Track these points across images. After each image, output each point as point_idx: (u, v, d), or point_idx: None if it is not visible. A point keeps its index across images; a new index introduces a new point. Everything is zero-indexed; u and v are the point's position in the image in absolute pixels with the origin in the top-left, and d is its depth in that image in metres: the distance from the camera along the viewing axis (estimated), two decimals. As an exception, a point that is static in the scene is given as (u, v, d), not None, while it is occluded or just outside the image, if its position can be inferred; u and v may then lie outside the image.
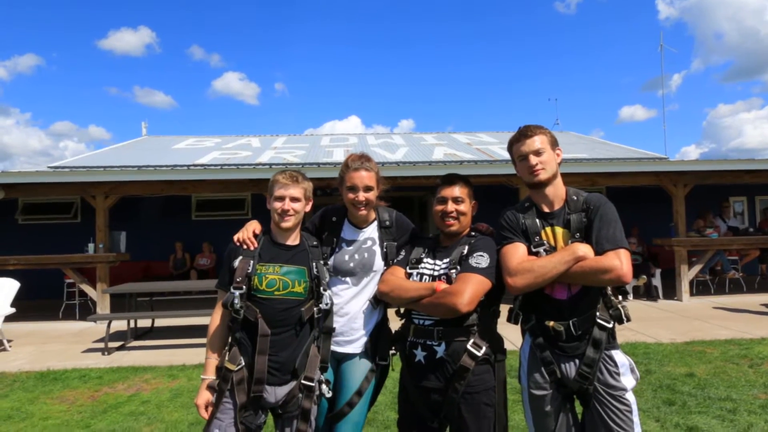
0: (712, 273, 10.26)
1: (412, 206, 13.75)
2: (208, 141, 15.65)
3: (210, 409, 2.12)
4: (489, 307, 2.12)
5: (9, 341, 6.92)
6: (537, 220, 2.13)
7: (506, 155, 10.79)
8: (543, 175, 2.11)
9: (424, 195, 12.58)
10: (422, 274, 2.20)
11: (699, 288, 10.01)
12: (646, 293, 9.60)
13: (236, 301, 2.10)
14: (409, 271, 2.24)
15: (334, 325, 2.31)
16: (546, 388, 2.07)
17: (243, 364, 2.12)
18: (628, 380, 2.02)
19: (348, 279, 2.38)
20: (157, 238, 11.21)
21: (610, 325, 2.02)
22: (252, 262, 2.17)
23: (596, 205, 2.07)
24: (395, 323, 2.37)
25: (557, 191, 2.16)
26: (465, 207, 2.23)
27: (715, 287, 10.06)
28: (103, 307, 8.48)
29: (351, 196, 2.33)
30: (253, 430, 2.13)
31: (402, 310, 2.28)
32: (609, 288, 2.04)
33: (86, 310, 9.06)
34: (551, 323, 2.04)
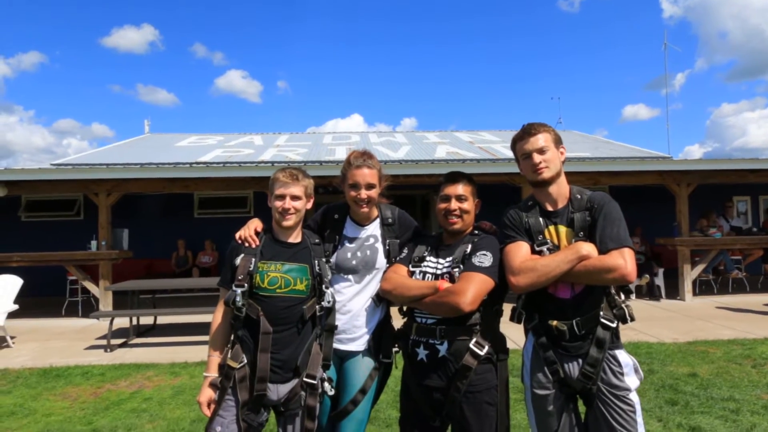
0: (715, 273, 10.24)
1: (415, 205, 13.74)
2: (211, 139, 15.67)
3: (212, 406, 2.13)
4: (492, 306, 2.11)
5: (12, 338, 6.94)
6: (540, 219, 2.12)
7: (509, 154, 10.77)
8: (547, 174, 2.09)
9: (427, 193, 12.58)
10: (425, 273, 2.19)
11: (702, 288, 9.99)
12: (649, 293, 9.58)
13: (238, 298, 2.10)
14: (411, 269, 2.23)
15: (337, 323, 2.31)
16: (549, 388, 2.06)
17: (245, 361, 2.12)
18: (631, 380, 2.01)
19: (350, 276, 2.38)
20: (159, 236, 11.22)
21: (614, 325, 2.01)
22: (254, 259, 2.17)
23: (600, 203, 2.06)
24: (398, 321, 2.37)
25: (561, 190, 2.14)
26: (468, 205, 2.22)
27: (718, 287, 10.03)
28: (106, 304, 8.50)
29: (353, 193, 2.32)
30: (255, 427, 2.14)
31: (404, 308, 2.27)
32: (613, 287, 2.03)
33: (89, 307, 9.08)
34: (554, 322, 2.03)
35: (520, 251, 2.05)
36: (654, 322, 7.22)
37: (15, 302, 7.13)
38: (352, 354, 2.34)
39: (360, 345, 2.33)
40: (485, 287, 2.03)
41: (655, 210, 10.95)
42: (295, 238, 2.30)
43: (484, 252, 2.10)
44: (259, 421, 2.15)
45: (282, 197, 2.21)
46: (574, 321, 2.01)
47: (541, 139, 2.11)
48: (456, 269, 2.11)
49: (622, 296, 2.05)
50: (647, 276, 9.39)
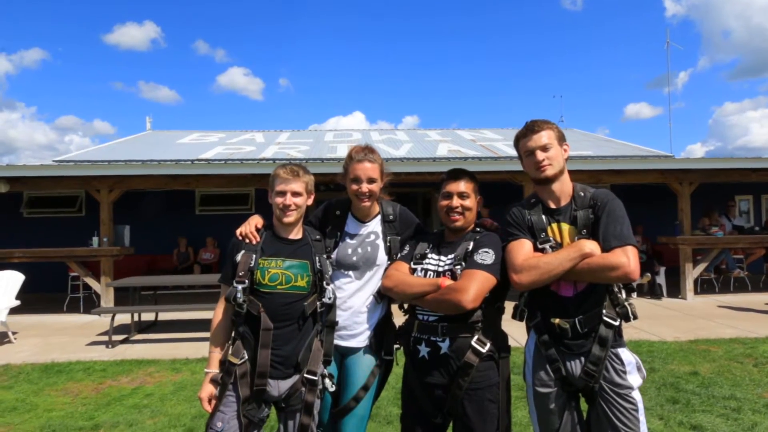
0: (716, 271, 10.22)
1: (416, 202, 13.73)
2: (212, 136, 15.68)
3: (213, 402, 2.13)
4: (494, 303, 2.11)
5: (14, 333, 6.96)
6: (543, 217, 2.11)
7: (510, 152, 10.77)
8: (550, 171, 2.08)
9: (428, 191, 12.57)
10: (426, 270, 2.19)
11: (703, 286, 9.97)
12: (651, 291, 9.57)
13: (239, 295, 2.10)
14: (413, 266, 2.23)
15: (338, 319, 2.31)
16: (551, 386, 2.05)
17: (246, 357, 2.12)
18: (634, 378, 2.00)
19: (351, 273, 2.38)
20: (161, 233, 11.23)
21: (617, 323, 2.00)
22: (254, 256, 2.17)
23: (603, 201, 2.04)
24: (399, 319, 2.37)
25: (564, 187, 2.13)
26: (470, 202, 2.21)
27: (719, 286, 10.01)
28: (107, 300, 8.52)
29: (354, 187, 2.32)
30: (255, 423, 2.14)
31: (406, 305, 2.27)
32: (616, 285, 2.01)
33: (90, 304, 9.11)
34: (557, 320, 2.02)
35: (522, 249, 2.04)
36: (655, 320, 7.21)
37: (17, 298, 7.14)
38: (353, 350, 2.33)
39: (361, 342, 2.33)
40: (487, 285, 2.02)
41: (657, 209, 10.92)
42: (296, 234, 2.29)
43: (486, 249, 2.09)
44: (260, 417, 2.15)
45: (283, 194, 2.21)
46: (576, 319, 2.00)
47: (545, 136, 2.09)
48: (458, 266, 2.10)
49: (624, 294, 2.04)
50: (648, 275, 9.38)
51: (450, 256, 2.17)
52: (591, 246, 1.96)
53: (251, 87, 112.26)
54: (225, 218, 11.30)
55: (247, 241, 2.22)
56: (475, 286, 1.98)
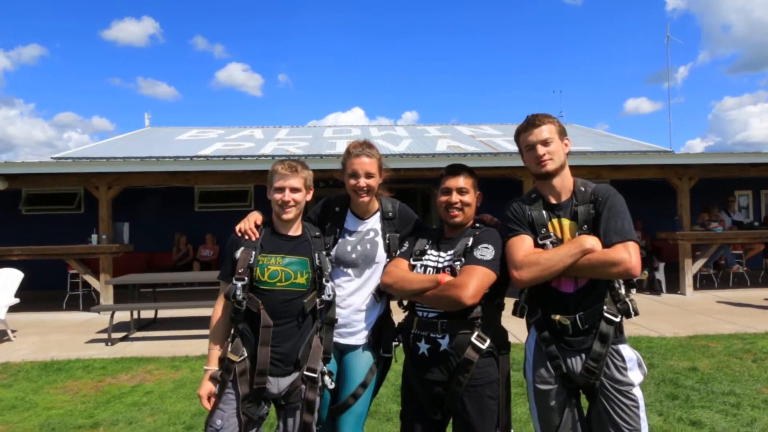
0: (716, 267, 10.23)
1: (415, 198, 13.72)
2: (211, 132, 15.63)
3: (213, 399, 2.12)
4: (493, 299, 2.10)
5: (13, 331, 6.95)
6: (544, 212, 2.09)
7: (510, 147, 10.73)
8: (550, 166, 2.07)
9: (428, 187, 12.55)
10: (426, 266, 2.18)
11: (703, 282, 9.98)
12: (650, 287, 9.57)
13: (238, 292, 2.09)
14: (412, 262, 2.22)
15: (337, 317, 2.30)
16: (551, 383, 2.04)
17: (245, 355, 2.11)
18: (635, 375, 1.99)
19: (350, 270, 2.37)
20: (160, 230, 11.22)
21: (618, 319, 1.98)
22: (254, 253, 2.16)
23: (604, 196, 2.03)
24: (398, 315, 2.36)
25: (565, 182, 2.12)
26: (470, 198, 2.20)
27: (718, 281, 10.03)
28: (107, 297, 8.51)
29: (352, 182, 2.31)
30: (255, 420, 2.13)
31: (405, 302, 2.26)
32: (617, 281, 2.00)
33: (89, 301, 9.10)
34: (557, 317, 2.01)
35: (523, 245, 2.03)
36: (655, 316, 7.22)
37: (16, 296, 7.14)
38: (352, 348, 2.33)
39: (360, 339, 2.32)
40: (487, 280, 2.01)
41: (656, 204, 10.92)
42: (295, 230, 2.28)
43: (485, 245, 2.08)
44: (259, 415, 2.15)
45: (281, 190, 2.19)
46: (577, 315, 1.99)
47: (546, 131, 2.08)
48: (457, 263, 2.09)
49: (624, 290, 2.03)
50: (645, 272, 9.38)
51: (449, 252, 2.16)
52: (592, 242, 1.94)
53: (250, 83, 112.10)
54: (224, 215, 11.28)
55: (247, 237, 2.21)
56: (475, 282, 1.97)
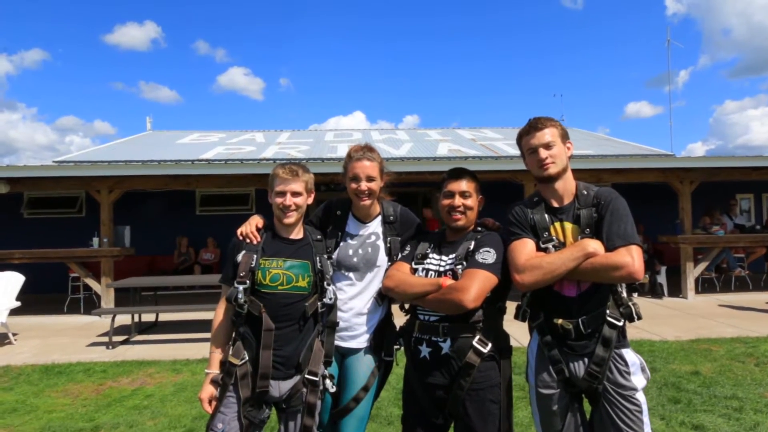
0: (717, 270, 10.21)
1: (416, 202, 13.72)
2: (213, 136, 15.67)
3: (214, 403, 2.12)
4: (495, 303, 2.10)
5: (14, 335, 6.95)
6: (546, 215, 2.08)
7: (511, 151, 10.73)
8: (553, 169, 2.06)
9: (428, 191, 12.55)
10: (428, 270, 2.17)
11: (704, 286, 9.95)
12: (652, 291, 9.56)
13: (240, 295, 2.09)
14: (414, 266, 2.22)
15: (338, 320, 2.30)
16: (554, 387, 2.03)
17: (247, 358, 2.11)
18: (638, 379, 1.98)
19: (352, 274, 2.37)
20: (161, 233, 11.23)
21: (621, 323, 1.98)
22: (255, 256, 2.16)
23: (607, 199, 2.02)
24: (400, 319, 2.36)
25: (567, 185, 2.11)
26: (472, 201, 2.20)
27: (720, 285, 10.00)
28: (108, 301, 8.51)
29: (353, 186, 2.31)
30: (256, 424, 2.13)
31: (407, 305, 2.26)
32: (620, 285, 1.99)
33: (91, 304, 9.10)
34: (560, 321, 2.00)
35: (525, 248, 2.02)
36: (657, 320, 7.20)
37: (17, 299, 7.14)
38: (353, 351, 2.32)
39: (361, 342, 2.32)
40: (488, 284, 2.01)
41: (657, 207, 10.91)
42: (297, 234, 2.28)
43: (487, 249, 2.08)
44: (260, 418, 2.14)
45: (282, 194, 2.19)
46: (579, 319, 1.98)
47: (548, 134, 2.07)
48: (459, 266, 2.09)
49: (626, 294, 2.02)
50: (647, 276, 9.37)
51: (451, 256, 2.16)
52: (594, 245, 1.93)
53: (251, 87, 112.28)
54: (225, 218, 11.29)
55: (248, 241, 2.21)
56: (477, 286, 1.97)
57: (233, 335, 2.19)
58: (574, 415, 2.03)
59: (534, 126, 2.10)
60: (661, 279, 9.42)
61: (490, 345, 2.04)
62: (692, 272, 9.17)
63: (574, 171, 2.18)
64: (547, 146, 2.06)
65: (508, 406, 2.10)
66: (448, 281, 2.05)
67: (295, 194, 2.20)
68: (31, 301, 8.32)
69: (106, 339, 6.50)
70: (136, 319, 7.27)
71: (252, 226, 2.25)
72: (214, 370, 2.15)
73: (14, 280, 7.24)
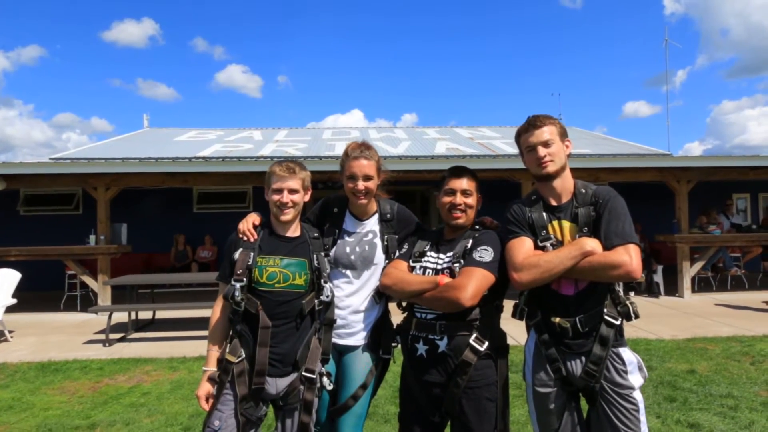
0: (714, 270, 10.25)
1: (414, 200, 13.72)
2: (210, 134, 15.63)
3: (211, 400, 2.12)
4: (492, 301, 2.10)
5: (10, 332, 6.93)
6: (544, 214, 2.08)
7: (509, 150, 10.72)
8: (551, 167, 2.05)
9: (426, 189, 12.55)
10: (425, 268, 2.18)
11: (701, 285, 9.99)
12: (648, 290, 9.59)
13: (237, 293, 2.09)
14: (412, 264, 2.22)
15: (336, 318, 2.30)
16: (551, 386, 2.03)
17: (243, 356, 2.11)
18: (635, 378, 1.98)
19: (349, 272, 2.37)
20: (158, 231, 11.20)
21: (618, 322, 1.98)
22: (252, 254, 2.16)
23: (605, 198, 2.01)
24: (397, 317, 2.36)
25: (565, 184, 2.10)
26: (472, 200, 2.21)
27: (716, 284, 10.04)
28: (105, 298, 8.49)
29: (351, 184, 2.31)
30: (253, 421, 2.12)
31: (404, 303, 2.26)
32: (617, 284, 1.99)
33: (87, 302, 9.07)
34: (557, 319, 2.00)
35: (522, 247, 2.01)
36: (653, 318, 7.23)
37: (13, 296, 7.11)
38: (350, 349, 2.33)
39: (359, 340, 2.32)
40: (486, 282, 2.01)
41: (654, 207, 10.94)
42: (294, 232, 2.28)
43: (485, 247, 2.08)
44: (257, 415, 2.14)
45: (279, 191, 2.19)
46: (577, 318, 1.98)
47: (546, 132, 2.06)
48: (457, 264, 2.09)
49: (628, 293, 2.02)
50: (643, 275, 9.40)
51: (449, 254, 2.16)
52: (592, 244, 1.93)
53: (250, 84, 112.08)
54: (223, 216, 11.27)
55: (245, 238, 2.21)
56: (474, 284, 1.97)
57: (230, 333, 2.19)
58: (571, 414, 2.03)
59: (533, 124, 2.09)
60: (658, 278, 9.45)
61: (486, 343, 2.04)
62: (689, 271, 9.20)
63: (571, 170, 2.18)
64: (546, 144, 2.05)
65: (505, 404, 2.11)
66: (445, 279, 2.05)
67: (292, 191, 2.20)
68: (27, 299, 8.30)
69: (102, 336, 6.49)
70: (133, 316, 7.25)
71: (249, 224, 2.25)
72: (212, 367, 2.15)
73: (10, 278, 7.21)
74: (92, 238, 8.81)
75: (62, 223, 11.17)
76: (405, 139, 14.19)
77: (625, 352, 2.00)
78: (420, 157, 11.03)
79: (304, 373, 2.16)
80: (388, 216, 2.42)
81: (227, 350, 2.13)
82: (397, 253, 2.32)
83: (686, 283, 9.15)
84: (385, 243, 2.38)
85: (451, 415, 2.09)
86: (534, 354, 2.10)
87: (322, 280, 2.23)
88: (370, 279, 2.36)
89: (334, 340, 2.31)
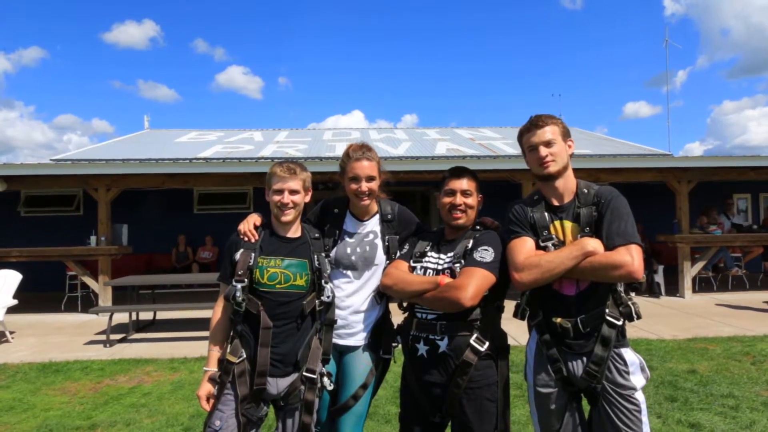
0: (714, 270, 10.24)
1: (414, 201, 13.72)
2: (211, 135, 15.64)
3: (212, 400, 2.12)
4: (493, 302, 2.10)
5: (11, 333, 6.93)
6: (546, 214, 2.07)
7: (509, 150, 10.72)
8: (553, 168, 2.04)
9: (426, 190, 12.55)
10: (426, 268, 2.18)
11: (701, 285, 9.98)
12: (649, 290, 9.58)
13: (238, 294, 2.09)
14: (412, 264, 2.22)
15: (336, 318, 2.30)
16: (552, 386, 2.03)
17: (244, 356, 2.11)
18: (637, 379, 1.96)
19: (350, 272, 2.37)
20: (159, 232, 11.21)
21: (620, 323, 1.97)
22: (253, 254, 2.16)
23: (607, 198, 2.00)
24: (398, 317, 2.36)
25: (567, 184, 2.09)
26: (473, 200, 2.21)
27: (717, 284, 10.03)
28: (105, 299, 8.49)
29: (354, 186, 2.31)
30: (254, 422, 2.13)
31: (405, 303, 2.26)
32: (620, 284, 1.98)
33: (88, 303, 9.08)
34: (558, 320, 2.00)
35: (524, 247, 2.01)
36: (654, 318, 7.22)
37: (14, 297, 7.12)
38: (351, 349, 2.33)
39: (359, 340, 2.32)
40: (486, 282, 2.01)
41: (655, 207, 10.93)
42: (294, 232, 2.28)
43: (485, 247, 2.08)
44: (258, 416, 2.14)
45: (280, 192, 2.19)
46: (578, 318, 1.97)
47: (549, 132, 2.05)
48: (457, 264, 2.09)
49: (631, 294, 2.00)
50: (643, 275, 9.39)
51: (449, 254, 2.16)
52: (594, 244, 1.92)
53: (250, 86, 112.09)
54: (223, 217, 11.28)
55: (246, 239, 2.21)
56: (474, 284, 1.97)
57: (231, 333, 2.19)
58: (572, 415, 2.03)
59: (535, 123, 2.08)
60: (659, 278, 9.45)
61: (487, 344, 2.04)
62: (689, 271, 9.20)
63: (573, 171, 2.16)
64: (548, 144, 2.05)
65: (505, 404, 2.10)
66: (445, 279, 2.05)
67: (293, 192, 2.20)
68: (28, 300, 8.31)
69: (103, 337, 6.49)
70: (134, 317, 7.25)
71: (250, 224, 2.25)
72: (213, 368, 2.16)
73: (11, 278, 7.22)
74: (93, 239, 8.82)
75: (63, 224, 11.17)
76: (405, 140, 14.19)
77: (627, 353, 1.99)
78: (420, 158, 11.03)
79: (304, 374, 2.16)
80: (389, 217, 2.42)
81: (228, 350, 2.14)
82: (398, 254, 2.32)
83: (687, 283, 9.15)
84: (386, 243, 2.38)
85: (451, 416, 2.09)
86: (535, 354, 2.10)
87: (322, 281, 2.23)
88: (371, 279, 2.36)
89: (335, 340, 2.31)
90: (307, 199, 2.28)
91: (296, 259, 2.21)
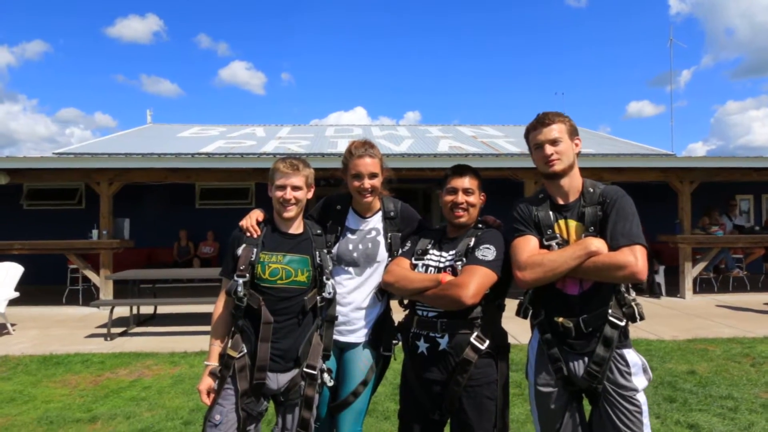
0: (716, 271, 10.23)
1: (416, 198, 13.72)
2: (213, 130, 15.63)
3: (212, 395, 2.13)
4: (494, 300, 2.10)
5: (13, 325, 6.96)
6: (550, 213, 2.06)
7: (512, 149, 10.69)
8: (558, 166, 2.03)
9: (429, 187, 12.55)
10: (428, 266, 2.18)
11: (702, 286, 9.97)
12: (650, 290, 9.57)
13: (239, 289, 2.10)
14: (414, 262, 2.22)
15: (337, 314, 2.30)
16: (553, 385, 2.02)
17: (245, 351, 2.11)
18: (639, 380, 1.95)
19: (351, 269, 2.37)
20: (160, 226, 11.23)
21: (623, 323, 1.96)
22: (255, 250, 2.16)
23: (613, 198, 1.98)
24: (399, 314, 2.36)
25: (573, 183, 2.07)
26: (475, 198, 2.20)
27: (718, 285, 10.02)
28: (106, 293, 8.51)
29: (356, 183, 2.31)
30: (254, 416, 2.13)
31: (406, 301, 2.26)
32: (623, 284, 1.97)
33: (89, 296, 9.11)
34: (560, 319, 1.99)
35: (527, 245, 2.00)
36: (654, 319, 7.22)
37: (16, 290, 7.15)
38: (352, 345, 2.33)
39: (360, 337, 2.33)
40: (488, 281, 2.01)
41: (657, 207, 10.90)
42: (297, 228, 2.28)
43: (487, 245, 2.08)
44: (258, 411, 2.15)
45: (283, 188, 2.19)
46: (580, 318, 1.96)
47: (555, 130, 2.03)
48: (459, 262, 2.09)
49: (633, 294, 2.00)
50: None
51: (451, 252, 2.16)
52: (597, 244, 1.91)
53: (253, 81, 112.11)
54: (225, 212, 11.30)
55: (248, 234, 2.21)
56: (476, 282, 1.97)
57: (232, 328, 2.19)
58: (573, 414, 2.02)
59: (541, 121, 2.06)
60: (660, 278, 9.44)
61: (487, 342, 2.05)
62: (690, 272, 9.19)
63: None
64: (554, 142, 2.03)
65: (505, 403, 2.11)
66: (447, 277, 2.05)
67: (296, 188, 2.20)
68: (29, 292, 8.33)
69: (104, 330, 6.51)
70: (135, 311, 7.27)
71: (252, 220, 2.26)
72: (213, 362, 2.16)
73: (13, 271, 7.24)
74: (95, 232, 8.84)
75: (65, 217, 11.19)
76: (408, 137, 14.17)
77: (630, 354, 1.98)
78: (423, 155, 11.01)
79: (305, 369, 2.16)
80: (392, 214, 2.42)
81: (229, 345, 2.14)
82: (400, 251, 2.33)
83: (688, 283, 9.14)
84: (389, 241, 2.38)
85: (450, 413, 2.10)
86: (537, 353, 2.09)
87: (324, 277, 2.23)
88: (373, 276, 2.36)
89: (336, 336, 2.31)
90: (310, 195, 2.28)
91: (298, 255, 2.21)
